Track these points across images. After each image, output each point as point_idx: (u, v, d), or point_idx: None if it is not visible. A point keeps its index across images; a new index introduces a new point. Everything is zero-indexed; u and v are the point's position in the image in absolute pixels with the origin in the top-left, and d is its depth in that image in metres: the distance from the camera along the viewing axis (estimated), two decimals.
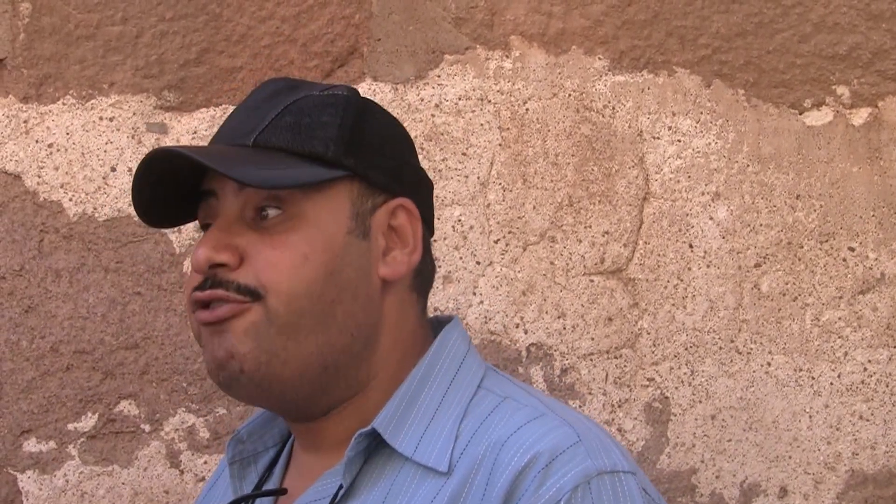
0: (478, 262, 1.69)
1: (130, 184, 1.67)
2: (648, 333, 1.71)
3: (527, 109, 1.71)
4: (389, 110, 1.69)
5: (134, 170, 1.61)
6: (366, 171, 1.00)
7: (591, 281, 1.71)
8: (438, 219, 1.68)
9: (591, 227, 1.71)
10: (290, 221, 0.97)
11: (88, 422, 1.67)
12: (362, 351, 0.99)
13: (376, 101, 1.69)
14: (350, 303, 0.98)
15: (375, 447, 0.98)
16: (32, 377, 1.67)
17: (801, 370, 1.71)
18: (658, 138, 1.72)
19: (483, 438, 0.95)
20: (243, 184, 0.95)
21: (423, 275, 1.05)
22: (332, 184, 0.98)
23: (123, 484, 1.67)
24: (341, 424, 1.01)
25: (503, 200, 1.70)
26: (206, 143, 1.70)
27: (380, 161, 1.01)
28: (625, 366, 1.70)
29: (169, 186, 1.00)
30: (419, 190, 1.06)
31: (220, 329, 0.96)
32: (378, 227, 1.01)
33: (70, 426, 1.67)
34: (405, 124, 1.70)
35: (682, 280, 1.71)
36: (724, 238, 1.71)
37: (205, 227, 1.02)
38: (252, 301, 0.95)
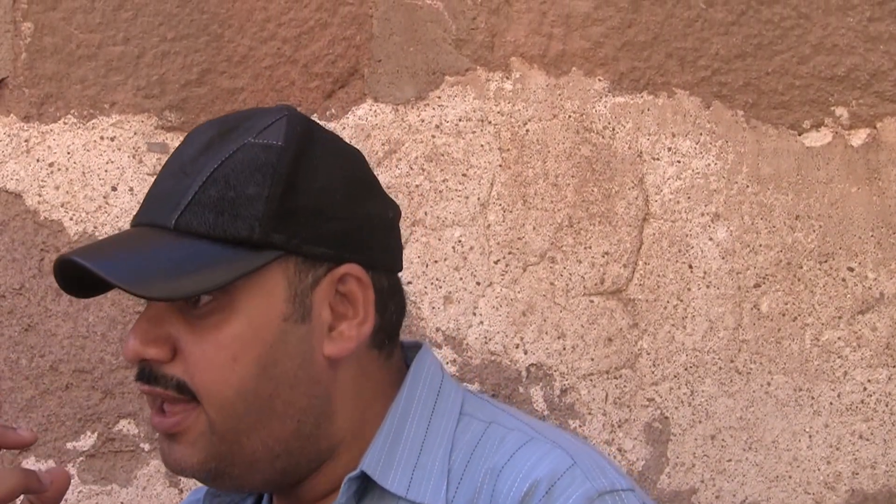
0: (478, 283, 1.70)
1: (132, 203, 1.68)
2: (648, 354, 1.71)
3: (527, 130, 1.72)
4: (390, 131, 1.72)
5: (135, 190, 1.61)
6: (300, 246, 0.93)
7: (591, 301, 1.71)
8: (439, 240, 1.69)
9: (590, 247, 1.71)
10: (221, 313, 0.92)
11: (87, 441, 1.67)
12: (315, 430, 0.96)
13: (376, 122, 1.70)
14: (289, 392, 0.94)
15: (365, 490, 0.96)
16: (32, 396, 1.67)
17: (800, 390, 1.71)
18: (658, 159, 1.73)
19: (477, 469, 0.94)
20: (154, 300, 0.91)
21: (386, 328, 1.00)
22: (264, 267, 0.92)
23: (122, 503, 1.67)
24: (317, 485, 0.99)
25: (503, 221, 1.71)
26: None
27: (318, 227, 0.94)
28: (624, 386, 1.71)
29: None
30: (372, 238, 0.99)
31: (171, 439, 0.95)
32: (322, 301, 0.95)
33: (69, 445, 1.67)
34: (405, 146, 1.72)
35: (681, 300, 1.72)
36: (723, 258, 1.72)
37: None
38: (191, 401, 0.93)
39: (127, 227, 1.67)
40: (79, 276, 0.94)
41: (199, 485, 1.68)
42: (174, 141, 1.69)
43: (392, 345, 1.02)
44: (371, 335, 0.98)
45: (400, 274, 1.05)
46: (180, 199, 0.93)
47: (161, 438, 0.96)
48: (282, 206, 0.92)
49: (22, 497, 0.93)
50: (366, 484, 0.96)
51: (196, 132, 0.98)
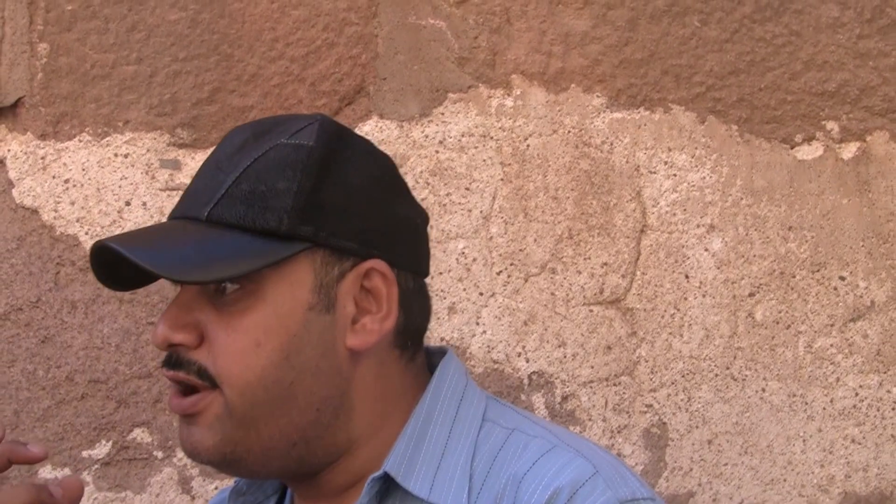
0: (481, 294, 1.72)
1: (145, 217, 1.71)
2: (646, 361, 1.73)
3: (528, 145, 1.75)
4: (395, 147, 1.74)
5: (148, 205, 1.63)
6: (328, 239, 0.95)
7: (591, 311, 1.74)
8: (444, 252, 1.71)
9: (590, 258, 1.74)
10: (248, 300, 0.94)
11: (103, 449, 1.69)
12: (333, 420, 0.96)
13: (382, 138, 1.73)
14: (311, 381, 0.95)
15: (387, 491, 0.96)
16: (48, 406, 1.69)
17: (794, 395, 1.74)
18: (654, 173, 1.75)
19: (499, 475, 0.95)
20: (181, 282, 0.93)
21: (409, 329, 1.00)
22: (291, 258, 0.94)
23: None
24: (335, 479, 0.99)
25: (505, 233, 1.73)
26: None
27: (346, 222, 0.96)
28: (624, 393, 1.73)
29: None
30: (399, 239, 1.00)
31: (189, 420, 0.95)
32: (347, 294, 0.96)
33: (85, 453, 1.69)
34: (410, 161, 1.75)
35: (678, 309, 1.74)
36: (718, 268, 1.74)
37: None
38: (213, 388, 0.94)
39: None
40: (111, 263, 0.96)
41: (211, 493, 1.71)
42: (186, 157, 1.72)
43: (415, 348, 1.02)
44: (394, 334, 0.99)
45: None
46: (213, 193, 0.95)
47: (180, 423, 0.97)
48: (310, 199, 0.94)
49: None
50: (388, 485, 0.96)
51: (231, 134, 1.00)
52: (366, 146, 1.02)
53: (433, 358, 1.05)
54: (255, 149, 0.96)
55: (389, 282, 0.97)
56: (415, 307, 1.01)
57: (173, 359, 0.96)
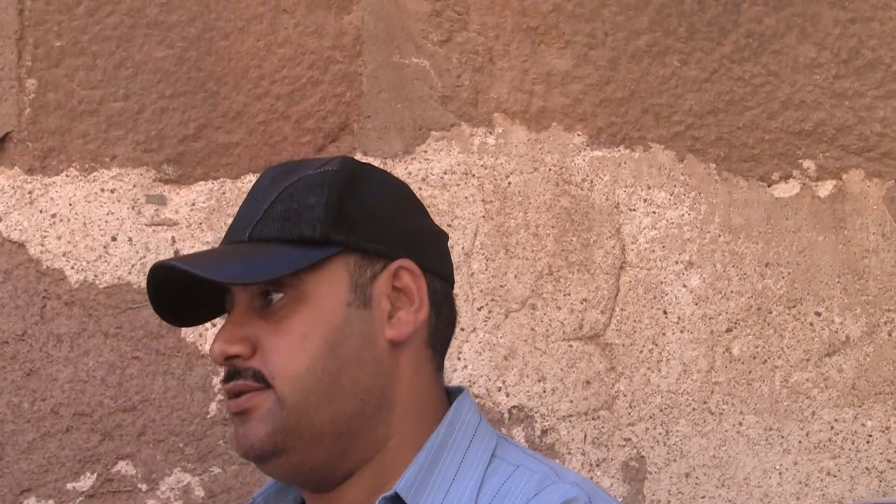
0: (462, 329, 1.75)
1: (131, 252, 1.73)
2: (625, 395, 1.76)
3: (509, 183, 1.77)
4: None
5: (133, 240, 1.65)
6: (359, 243, 1.04)
7: (570, 346, 1.76)
8: None
9: (570, 294, 1.76)
10: (292, 304, 1.02)
11: (87, 481, 1.70)
12: (376, 412, 1.03)
13: None
14: (355, 370, 1.02)
15: None
16: (33, 438, 1.70)
17: (771, 429, 1.76)
18: (634, 210, 1.78)
19: None
20: (231, 284, 1.03)
21: (439, 330, 1.08)
22: (327, 261, 1.03)
23: None
24: (358, 491, 1.04)
25: (486, 270, 1.75)
26: (204, 214, 1.76)
27: (373, 229, 1.05)
28: (602, 427, 1.75)
29: (192, 290, 1.06)
30: (423, 245, 1.08)
31: (244, 419, 1.03)
32: (381, 293, 1.04)
33: (69, 486, 1.70)
34: None
35: (656, 344, 1.76)
36: (696, 304, 1.77)
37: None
38: (265, 388, 1.01)
39: (128, 276, 1.73)
40: (164, 282, 1.05)
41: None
42: (171, 193, 1.74)
43: (441, 359, 1.09)
44: (427, 332, 1.06)
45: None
46: (253, 218, 1.05)
47: (235, 423, 1.04)
48: (339, 210, 1.03)
49: None
50: None
51: (264, 173, 1.11)
52: (386, 174, 1.12)
53: (450, 395, 1.11)
54: (286, 180, 1.06)
55: (417, 277, 1.05)
56: (444, 310, 1.09)
57: (231, 372, 1.03)
